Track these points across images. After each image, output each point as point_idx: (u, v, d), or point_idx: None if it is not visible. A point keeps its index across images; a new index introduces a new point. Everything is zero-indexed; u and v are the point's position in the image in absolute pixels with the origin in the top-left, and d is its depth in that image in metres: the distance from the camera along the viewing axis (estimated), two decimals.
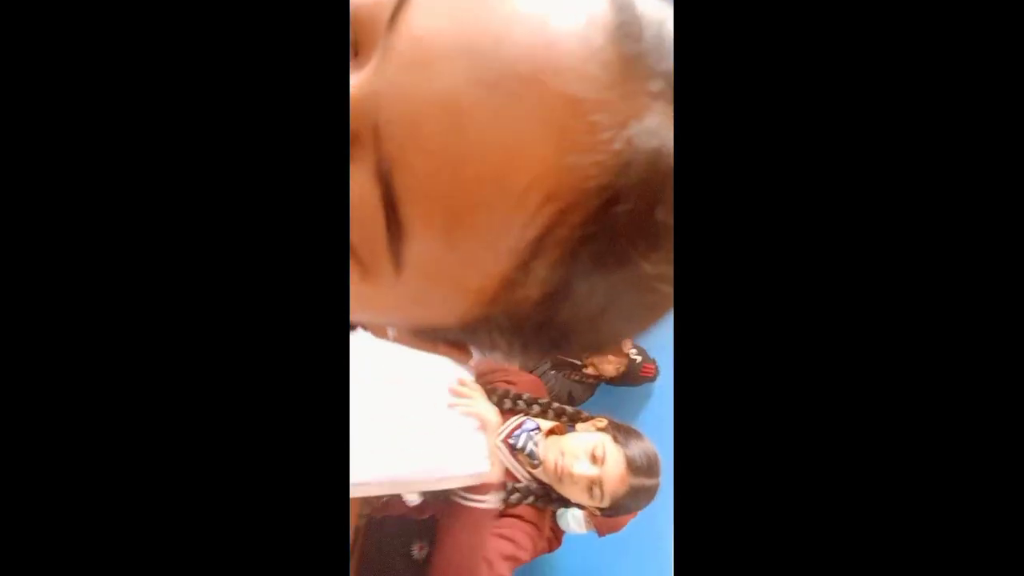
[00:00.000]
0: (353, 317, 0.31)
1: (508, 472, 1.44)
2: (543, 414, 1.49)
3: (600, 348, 0.35)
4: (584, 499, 1.38)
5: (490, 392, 1.48)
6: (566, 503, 1.44)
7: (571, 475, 1.35)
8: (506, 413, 1.47)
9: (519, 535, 1.42)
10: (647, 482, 1.38)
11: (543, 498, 1.44)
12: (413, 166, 0.25)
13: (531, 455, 1.41)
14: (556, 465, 1.37)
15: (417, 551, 1.47)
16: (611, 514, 1.43)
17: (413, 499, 1.37)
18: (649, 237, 0.27)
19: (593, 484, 1.35)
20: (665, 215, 0.27)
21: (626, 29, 0.27)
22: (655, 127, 0.26)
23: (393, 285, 0.28)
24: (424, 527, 1.42)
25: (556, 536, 1.56)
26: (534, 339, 0.31)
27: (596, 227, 0.26)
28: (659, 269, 0.28)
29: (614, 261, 0.27)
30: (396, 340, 0.39)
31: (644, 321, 0.32)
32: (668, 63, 0.27)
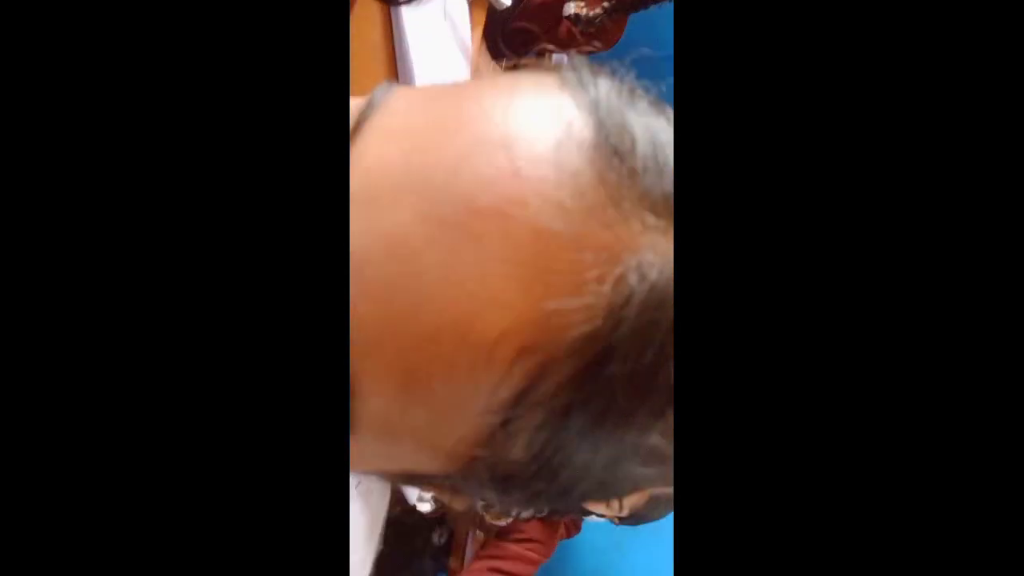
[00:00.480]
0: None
1: None
2: None
3: (610, 496, 0.31)
4: (601, 509, 1.34)
5: None
6: (584, 513, 1.40)
7: None
8: None
9: (519, 567, 1.37)
10: (666, 491, 1.33)
11: (557, 511, 1.40)
12: (357, 316, 0.22)
13: None
14: None
15: (437, 537, 1.47)
16: (630, 523, 1.39)
17: (425, 507, 1.34)
18: (654, 402, 0.23)
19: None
20: (667, 377, 0.23)
21: (612, 143, 0.22)
22: (653, 259, 0.22)
23: (353, 441, 0.25)
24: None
25: (575, 523, 1.52)
26: (529, 494, 0.27)
27: (590, 387, 0.22)
28: (669, 438, 0.24)
29: (614, 422, 0.23)
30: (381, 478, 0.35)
31: (659, 480, 0.27)
32: (667, 180, 0.23)
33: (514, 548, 1.38)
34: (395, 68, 1.13)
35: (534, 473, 0.25)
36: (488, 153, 0.22)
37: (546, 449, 0.24)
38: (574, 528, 1.51)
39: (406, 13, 1.09)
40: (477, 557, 1.43)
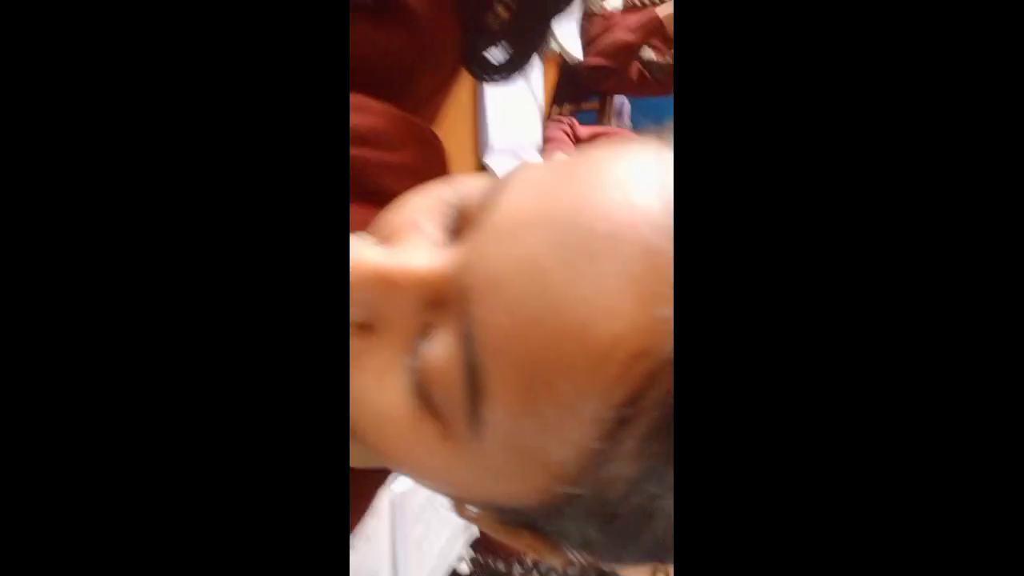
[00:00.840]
0: (437, 487, 0.34)
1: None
2: None
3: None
4: None
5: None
6: None
7: None
8: None
9: None
10: None
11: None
12: (496, 327, 0.26)
13: None
14: None
15: None
16: None
17: (464, 569, 1.35)
18: None
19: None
20: None
21: None
22: None
23: (472, 451, 0.28)
24: None
25: None
26: (631, 533, 0.29)
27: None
28: None
29: None
30: (479, 523, 0.36)
31: None
32: None
33: None
34: (476, 115, 1.13)
35: (632, 510, 0.28)
36: (605, 192, 0.27)
37: (655, 463, 0.26)
38: None
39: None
40: None
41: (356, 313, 0.30)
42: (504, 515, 0.33)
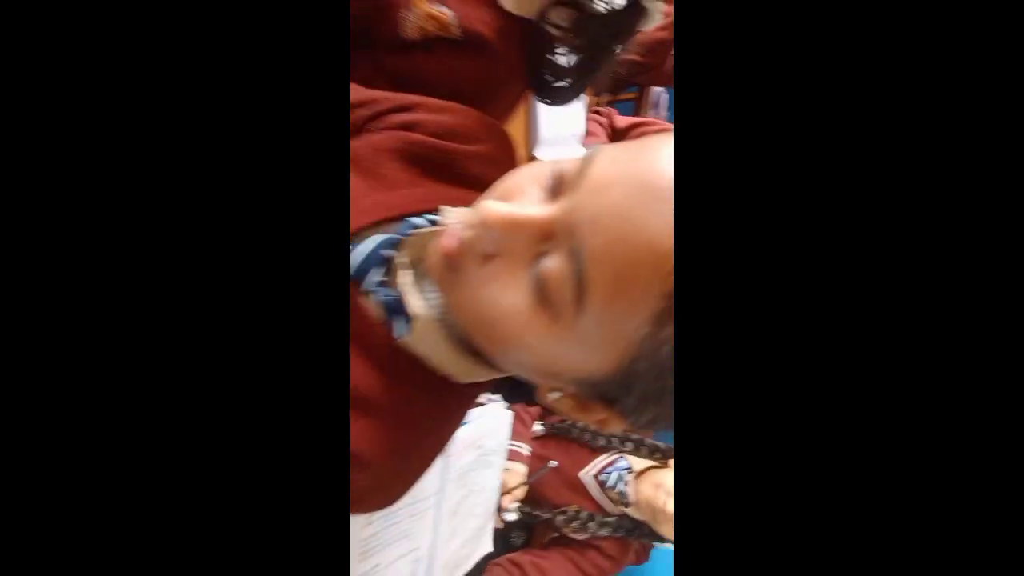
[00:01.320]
0: (536, 363, 0.45)
1: (596, 505, 1.49)
2: (636, 451, 1.53)
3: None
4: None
5: (579, 428, 1.52)
6: (659, 539, 1.48)
7: (665, 512, 1.38)
8: (599, 450, 1.52)
9: (592, 572, 1.46)
10: None
11: (634, 531, 1.48)
12: (595, 246, 0.38)
13: (621, 494, 1.45)
14: (650, 500, 1.40)
15: (515, 538, 1.56)
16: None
17: (511, 517, 1.43)
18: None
19: None
20: None
21: None
22: None
23: (574, 331, 0.40)
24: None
25: (644, 549, 1.59)
26: (665, 394, 0.41)
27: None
28: None
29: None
30: (557, 406, 0.50)
31: None
32: None
33: (592, 554, 1.49)
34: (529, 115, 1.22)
35: (665, 377, 0.39)
36: (656, 164, 0.38)
37: (668, 358, 0.38)
38: (644, 554, 1.61)
39: None
40: (556, 546, 1.55)
41: (485, 246, 0.43)
42: (582, 389, 0.45)
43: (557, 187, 0.43)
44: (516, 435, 1.43)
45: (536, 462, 1.49)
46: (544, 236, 0.41)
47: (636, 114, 2.07)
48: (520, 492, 1.43)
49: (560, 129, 1.32)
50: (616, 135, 1.74)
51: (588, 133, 1.62)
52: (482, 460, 1.21)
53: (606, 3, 0.73)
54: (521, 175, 0.46)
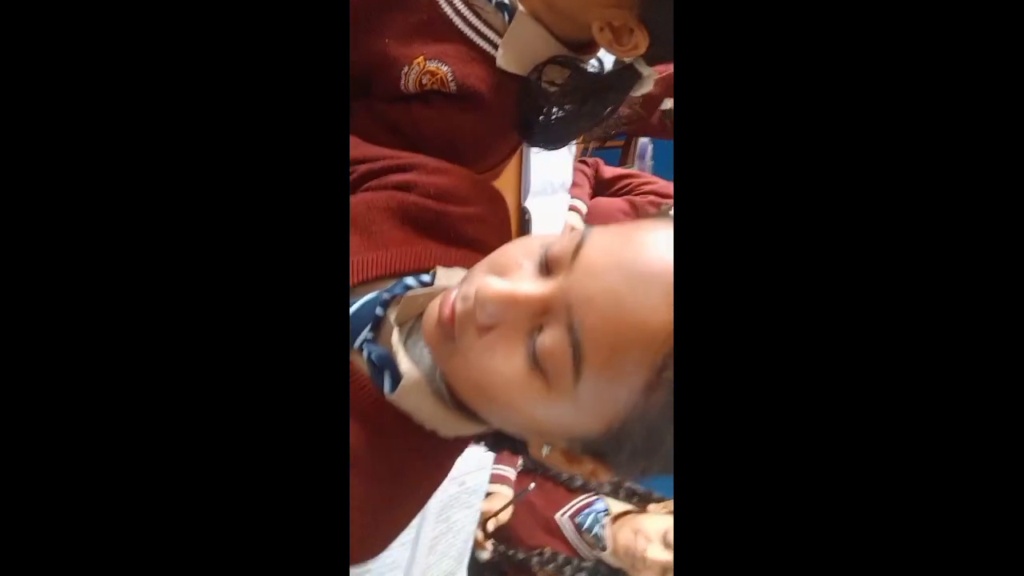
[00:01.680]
0: (529, 424, 0.48)
1: (571, 549, 1.48)
2: (614, 494, 1.53)
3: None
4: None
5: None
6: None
7: (644, 559, 1.36)
8: (576, 491, 1.52)
9: None
10: None
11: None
12: (591, 323, 0.42)
13: (597, 537, 1.45)
14: (628, 547, 1.38)
15: None
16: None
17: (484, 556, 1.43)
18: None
19: (667, 571, 1.33)
20: None
21: None
22: None
23: (569, 398, 0.43)
24: None
25: None
26: (654, 448, 0.44)
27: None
28: None
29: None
30: (548, 460, 0.52)
31: None
32: None
33: None
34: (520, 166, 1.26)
35: (656, 434, 0.42)
36: (645, 251, 0.42)
37: (661, 418, 0.41)
38: None
39: None
40: None
41: (482, 320, 0.46)
42: (573, 445, 0.48)
43: (550, 265, 0.46)
44: (501, 459, 1.42)
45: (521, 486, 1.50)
46: (541, 312, 0.45)
47: (622, 163, 2.12)
48: (505, 515, 1.42)
49: (549, 178, 1.36)
50: (601, 185, 1.78)
51: (574, 184, 1.66)
52: (462, 500, 1.21)
53: (599, 64, 0.77)
54: (514, 249, 0.49)
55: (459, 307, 0.47)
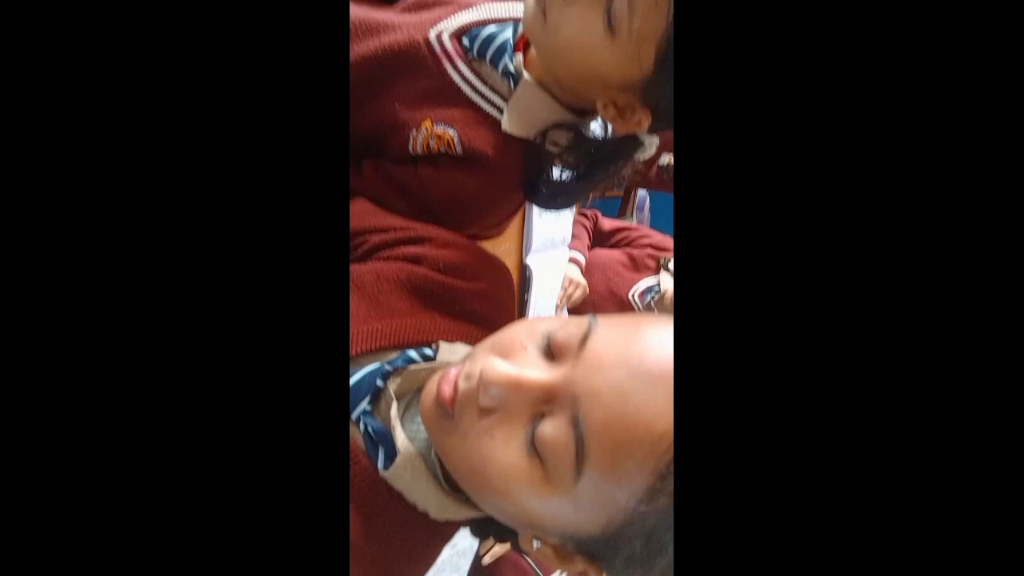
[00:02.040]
0: (523, 516, 0.46)
1: None
2: None
3: None
4: None
5: None
6: None
7: None
8: None
9: None
10: None
11: None
12: (596, 419, 0.41)
13: None
14: None
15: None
16: None
17: None
18: None
19: None
20: None
21: None
22: None
23: (568, 492, 0.42)
24: None
25: None
26: (651, 558, 0.42)
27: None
28: None
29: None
30: (537, 555, 0.50)
31: None
32: None
33: None
34: (523, 224, 1.28)
35: (654, 541, 0.41)
36: (649, 350, 0.42)
37: (660, 526, 0.40)
38: None
39: None
40: None
41: (484, 402, 0.45)
42: (566, 543, 0.46)
43: (554, 351, 0.46)
44: None
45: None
46: (545, 399, 0.44)
47: (621, 214, 2.15)
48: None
49: (551, 235, 1.39)
50: (600, 237, 1.81)
51: (573, 236, 1.68)
52: (452, 562, 1.18)
53: (602, 129, 0.79)
54: (517, 331, 0.49)
55: (462, 386, 0.46)
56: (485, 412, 0.46)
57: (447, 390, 0.46)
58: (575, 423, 0.42)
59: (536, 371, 0.45)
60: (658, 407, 0.40)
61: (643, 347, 0.43)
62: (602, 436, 0.41)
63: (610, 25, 0.59)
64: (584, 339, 0.44)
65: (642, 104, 0.67)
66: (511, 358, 0.46)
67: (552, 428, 0.43)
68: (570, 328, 0.46)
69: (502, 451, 0.45)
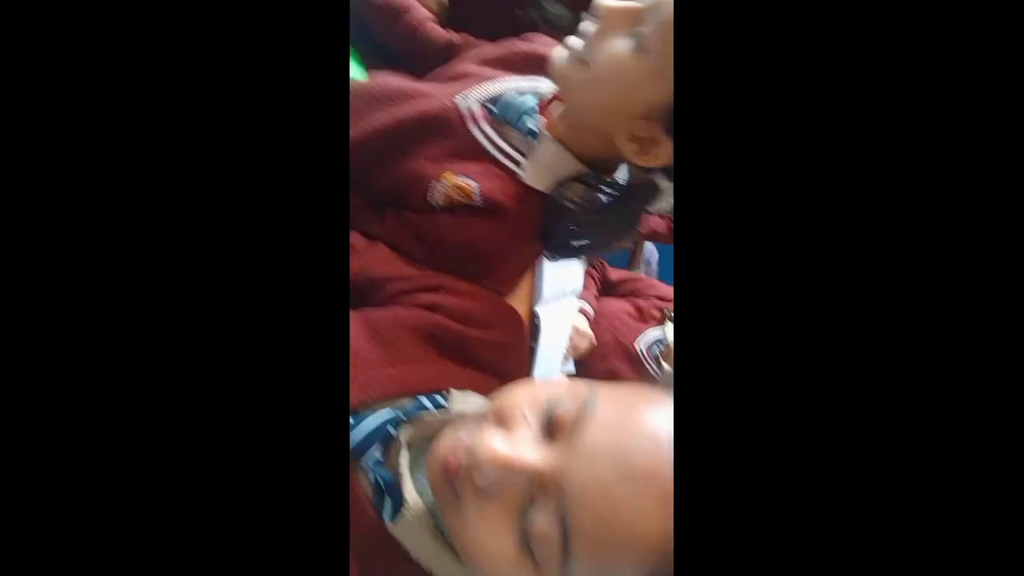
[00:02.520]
0: None
1: None
2: None
3: None
4: None
5: None
6: None
7: None
8: None
9: None
10: None
11: None
12: (582, 518, 0.41)
13: None
14: None
15: None
16: None
17: None
18: None
19: None
20: None
21: None
22: None
23: None
24: None
25: None
26: None
27: None
28: None
29: None
30: None
31: None
32: None
33: None
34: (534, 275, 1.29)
35: None
36: (644, 440, 0.41)
37: None
38: None
39: None
40: None
41: (480, 482, 0.45)
42: None
43: (553, 427, 0.46)
44: None
45: None
46: (536, 483, 0.44)
47: (629, 266, 2.17)
48: None
49: (562, 285, 1.40)
50: (607, 287, 1.81)
51: (583, 287, 1.69)
52: None
53: (619, 182, 0.81)
54: (520, 397, 0.49)
55: (463, 461, 0.47)
56: (480, 494, 0.46)
57: (454, 461, 0.47)
58: (562, 520, 0.42)
59: (529, 452, 0.45)
60: (645, 509, 0.39)
61: (636, 433, 0.42)
62: (587, 536, 0.41)
63: (640, 44, 0.64)
64: (579, 420, 0.44)
65: (665, 136, 0.69)
66: (510, 429, 0.47)
67: (541, 521, 0.43)
68: (570, 402, 0.46)
69: (494, 541, 0.45)
